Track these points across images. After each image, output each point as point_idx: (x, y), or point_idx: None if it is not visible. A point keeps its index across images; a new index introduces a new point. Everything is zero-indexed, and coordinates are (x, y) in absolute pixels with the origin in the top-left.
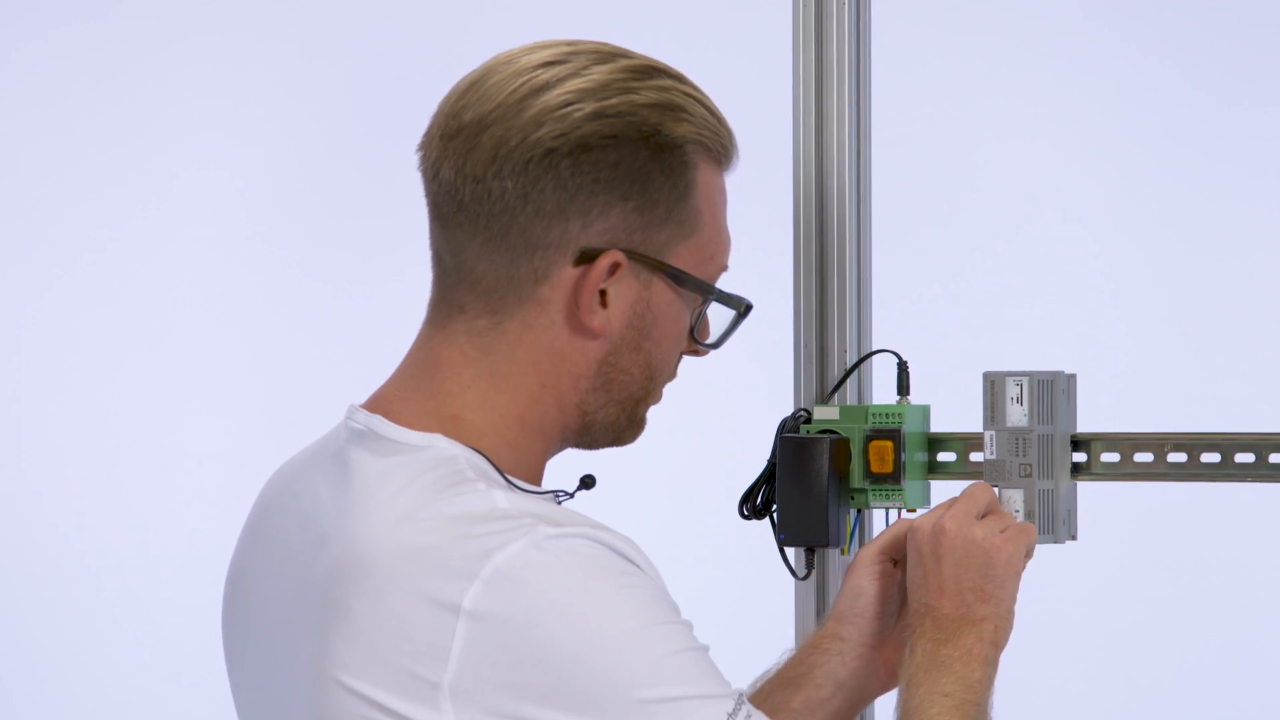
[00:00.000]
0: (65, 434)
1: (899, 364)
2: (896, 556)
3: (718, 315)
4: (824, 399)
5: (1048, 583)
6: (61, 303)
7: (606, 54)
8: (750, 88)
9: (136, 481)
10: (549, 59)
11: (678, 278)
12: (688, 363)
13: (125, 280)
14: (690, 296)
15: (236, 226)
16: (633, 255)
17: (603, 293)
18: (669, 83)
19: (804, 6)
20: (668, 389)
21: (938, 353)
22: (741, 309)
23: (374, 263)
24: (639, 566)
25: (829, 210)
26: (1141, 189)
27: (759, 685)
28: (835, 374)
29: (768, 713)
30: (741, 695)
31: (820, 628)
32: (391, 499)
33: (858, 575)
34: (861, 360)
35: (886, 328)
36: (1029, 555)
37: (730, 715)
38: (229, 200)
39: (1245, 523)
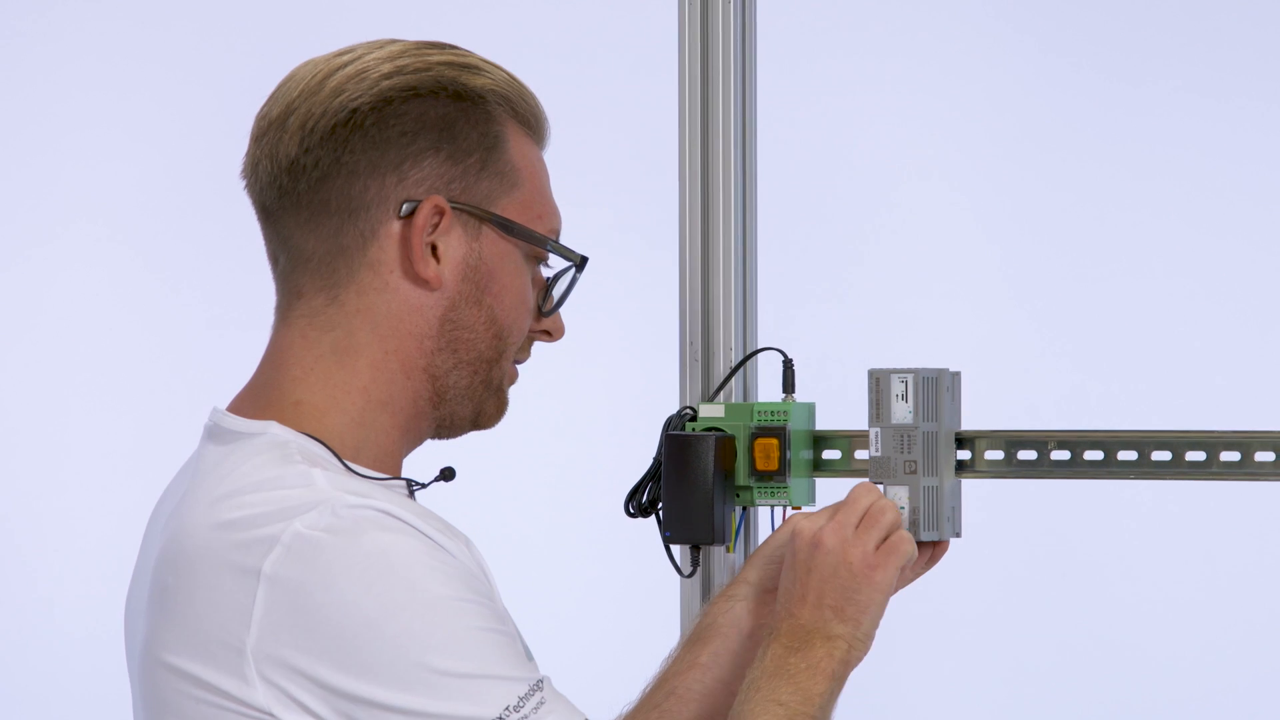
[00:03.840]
0: None
1: (784, 362)
2: None
3: (561, 287)
4: (709, 397)
5: (932, 579)
6: None
7: (403, 39)
8: (636, 88)
9: (24, 485)
10: (348, 48)
11: (506, 226)
12: (574, 359)
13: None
14: (526, 249)
15: (114, 251)
16: (456, 205)
17: (434, 247)
18: (464, 52)
19: (689, 6)
20: (557, 383)
21: (823, 351)
22: (577, 261)
23: (252, 271)
24: (443, 546)
25: (714, 208)
26: (1031, 183)
27: (677, 650)
28: (721, 372)
29: (680, 670)
30: (540, 681)
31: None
32: (217, 484)
33: (780, 529)
34: (747, 358)
35: (771, 326)
36: (910, 562)
37: (520, 699)
38: (104, 227)
39: (1128, 520)
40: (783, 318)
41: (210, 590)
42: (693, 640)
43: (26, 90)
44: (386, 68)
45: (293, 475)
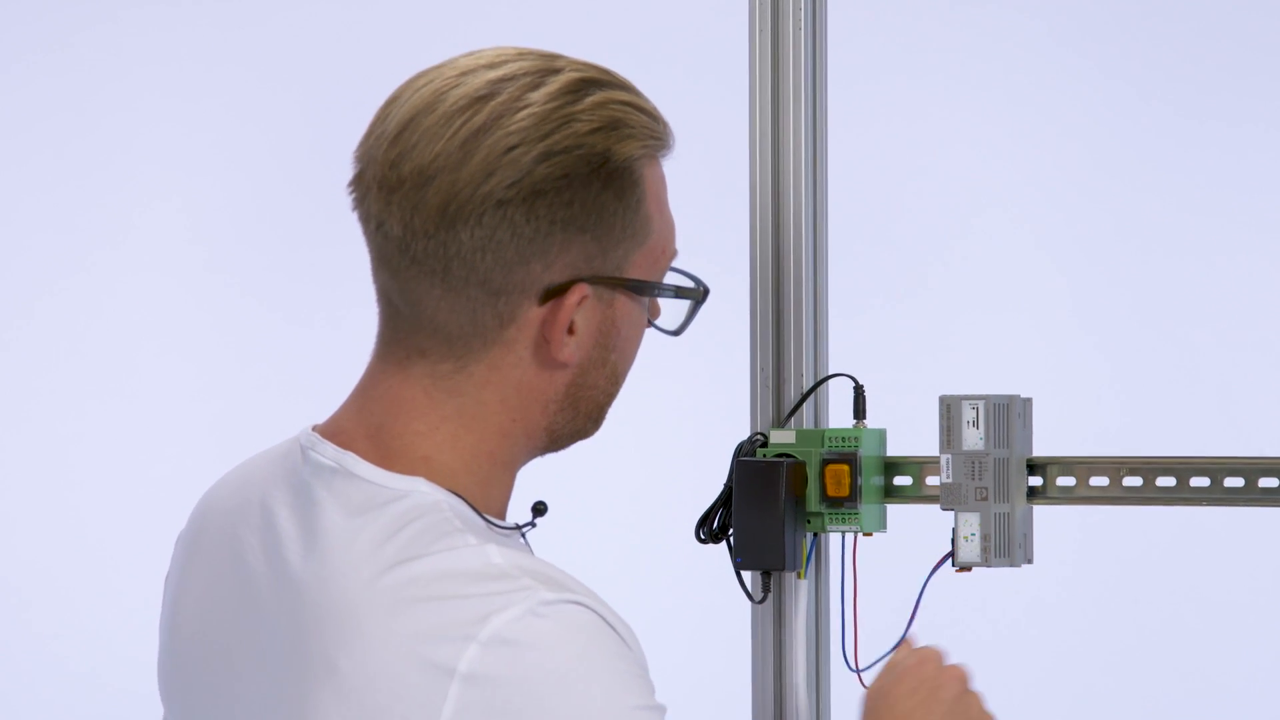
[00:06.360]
0: (23, 467)
1: (855, 387)
2: None
3: (677, 310)
4: (781, 423)
5: (1004, 605)
6: (22, 333)
7: (536, 74)
8: (706, 110)
9: (93, 511)
10: (479, 92)
11: (639, 288)
12: (645, 386)
13: (84, 313)
14: (650, 300)
15: (191, 257)
16: (594, 281)
17: (570, 322)
18: (604, 96)
19: (760, 28)
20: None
21: (894, 376)
22: (699, 296)
23: (328, 292)
24: (626, 643)
25: (785, 233)
26: (1101, 211)
27: None
28: (792, 398)
29: None
30: None
31: None
32: (378, 549)
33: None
34: (818, 384)
35: (843, 351)
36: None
37: None
38: (183, 231)
39: (1200, 546)
40: (854, 343)
41: (393, 680)
42: None
43: (105, 90)
44: (538, 149)
45: (469, 554)
